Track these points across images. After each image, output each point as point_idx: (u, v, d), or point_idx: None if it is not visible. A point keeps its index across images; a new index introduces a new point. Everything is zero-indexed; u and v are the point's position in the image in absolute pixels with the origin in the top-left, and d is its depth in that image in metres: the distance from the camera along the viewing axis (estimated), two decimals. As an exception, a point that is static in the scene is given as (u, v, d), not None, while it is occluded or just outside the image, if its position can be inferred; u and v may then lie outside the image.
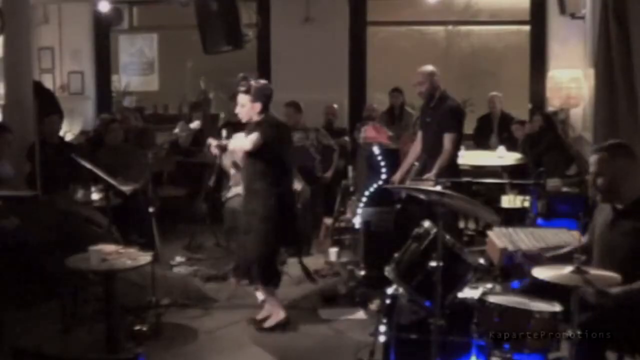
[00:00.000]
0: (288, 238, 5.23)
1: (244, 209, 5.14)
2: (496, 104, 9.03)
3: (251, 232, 5.00)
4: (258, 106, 4.98)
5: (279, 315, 5.15)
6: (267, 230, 4.97)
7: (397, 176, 5.96)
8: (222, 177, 6.92)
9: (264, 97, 5.01)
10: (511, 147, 7.89)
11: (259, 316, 5.23)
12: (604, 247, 3.68)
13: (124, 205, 6.16)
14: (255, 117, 5.01)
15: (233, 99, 5.11)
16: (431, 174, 5.52)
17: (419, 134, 6.11)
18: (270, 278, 5.13)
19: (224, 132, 5.43)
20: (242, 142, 4.99)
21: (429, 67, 5.82)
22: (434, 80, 5.78)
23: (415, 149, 6.06)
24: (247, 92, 4.96)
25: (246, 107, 5.00)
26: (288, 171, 5.23)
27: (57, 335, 4.90)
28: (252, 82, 5.01)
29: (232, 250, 6.55)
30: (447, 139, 5.68)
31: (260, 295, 5.27)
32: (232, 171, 6.34)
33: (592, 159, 3.71)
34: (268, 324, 5.15)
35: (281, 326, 5.13)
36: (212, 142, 5.18)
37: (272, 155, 4.97)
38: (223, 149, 5.16)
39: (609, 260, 3.56)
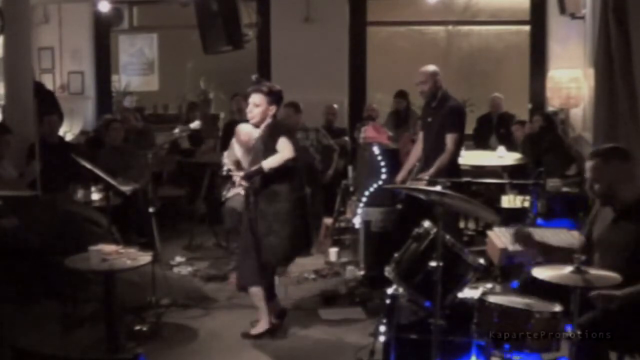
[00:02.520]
0: (305, 241, 5.11)
1: (262, 211, 4.86)
2: (497, 105, 9.06)
3: (271, 235, 4.83)
4: (274, 109, 4.92)
5: (265, 324, 5.00)
6: (288, 232, 4.84)
7: (399, 177, 5.96)
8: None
9: (280, 101, 5.00)
10: (511, 147, 7.90)
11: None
12: (604, 248, 3.67)
13: (124, 205, 6.17)
14: (268, 120, 4.91)
15: (243, 99, 5.02)
16: (427, 174, 5.53)
17: (420, 135, 6.11)
18: (268, 282, 5.06)
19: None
20: (279, 157, 4.76)
21: (432, 67, 5.80)
22: (436, 80, 5.77)
23: (417, 149, 6.05)
24: (267, 93, 4.87)
25: (261, 108, 4.87)
26: (301, 175, 5.15)
27: (57, 335, 4.90)
28: (269, 85, 4.99)
29: (232, 250, 6.56)
30: (450, 139, 5.67)
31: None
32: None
33: (587, 165, 3.71)
34: (255, 331, 5.00)
35: (268, 334, 4.98)
36: (236, 174, 5.00)
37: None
38: (251, 176, 4.87)
39: (610, 261, 3.55)
